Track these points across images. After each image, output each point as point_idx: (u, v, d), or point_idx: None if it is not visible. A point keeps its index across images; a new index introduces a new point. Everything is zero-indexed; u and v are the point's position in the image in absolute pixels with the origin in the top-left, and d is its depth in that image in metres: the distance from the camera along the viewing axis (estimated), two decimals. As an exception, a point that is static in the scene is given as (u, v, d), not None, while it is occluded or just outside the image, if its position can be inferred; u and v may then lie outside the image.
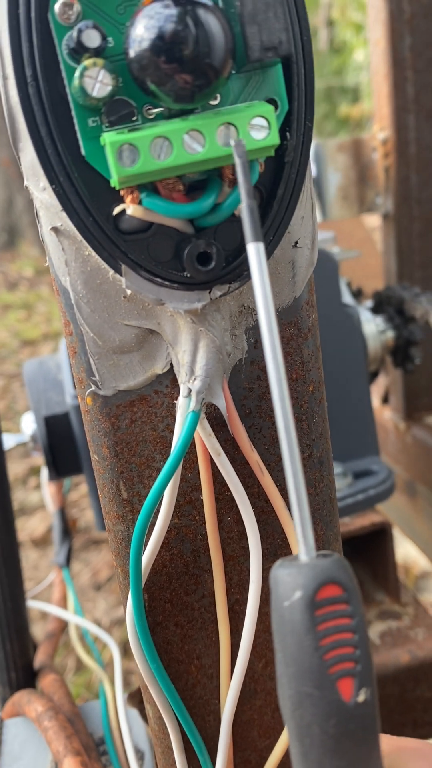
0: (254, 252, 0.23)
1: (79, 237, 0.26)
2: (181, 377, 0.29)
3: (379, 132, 0.90)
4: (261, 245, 0.23)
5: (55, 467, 0.69)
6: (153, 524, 0.31)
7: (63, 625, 0.70)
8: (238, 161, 0.24)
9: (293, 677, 0.21)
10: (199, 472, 0.31)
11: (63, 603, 0.73)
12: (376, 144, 0.90)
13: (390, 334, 0.76)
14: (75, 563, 1.55)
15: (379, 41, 0.87)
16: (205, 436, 0.30)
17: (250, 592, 0.31)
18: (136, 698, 0.56)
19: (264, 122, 0.25)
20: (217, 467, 0.30)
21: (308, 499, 0.33)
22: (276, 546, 0.33)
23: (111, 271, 0.27)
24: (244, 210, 0.23)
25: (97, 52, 0.24)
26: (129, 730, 0.48)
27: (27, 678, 0.58)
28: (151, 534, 0.31)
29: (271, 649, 0.35)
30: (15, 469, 1.94)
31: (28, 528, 1.70)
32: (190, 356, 0.29)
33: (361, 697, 0.21)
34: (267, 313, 0.23)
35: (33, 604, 0.70)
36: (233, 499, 0.31)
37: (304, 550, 0.22)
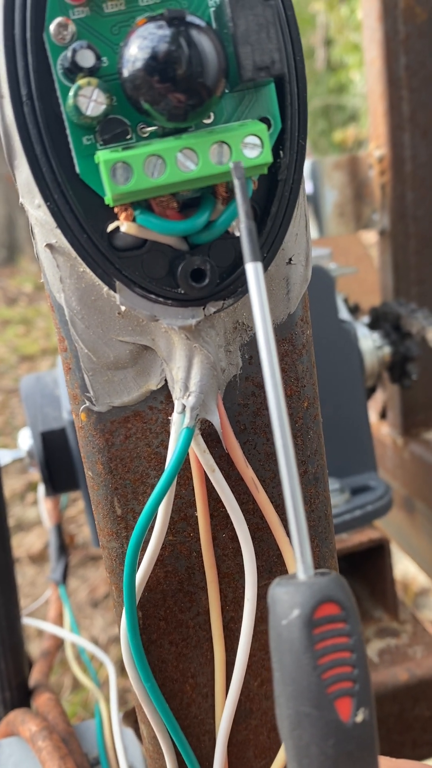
0: (253, 272, 0.23)
1: (74, 254, 0.27)
2: (176, 393, 0.29)
3: (375, 150, 0.90)
4: (259, 265, 0.23)
5: (52, 483, 0.69)
6: (147, 541, 0.31)
7: (59, 643, 0.69)
8: (236, 182, 0.24)
9: (291, 696, 0.21)
10: (193, 489, 0.31)
11: (59, 620, 0.73)
12: (372, 161, 0.91)
13: (387, 350, 0.77)
14: (72, 579, 1.54)
15: (375, 61, 0.88)
16: (199, 453, 0.30)
17: (245, 610, 0.31)
18: (132, 717, 0.55)
19: (257, 141, 0.25)
20: (211, 484, 0.30)
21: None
22: (271, 563, 0.33)
23: (105, 288, 0.27)
24: (243, 231, 0.23)
25: (92, 72, 0.24)
26: (124, 750, 0.48)
27: (22, 697, 0.57)
28: (145, 551, 0.31)
29: (267, 668, 0.34)
30: (13, 484, 1.93)
31: (25, 544, 1.69)
32: (185, 372, 0.29)
33: (359, 717, 0.21)
34: (265, 332, 0.23)
35: (29, 622, 0.69)
36: (228, 516, 0.31)
37: (302, 569, 0.22)
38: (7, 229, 4.64)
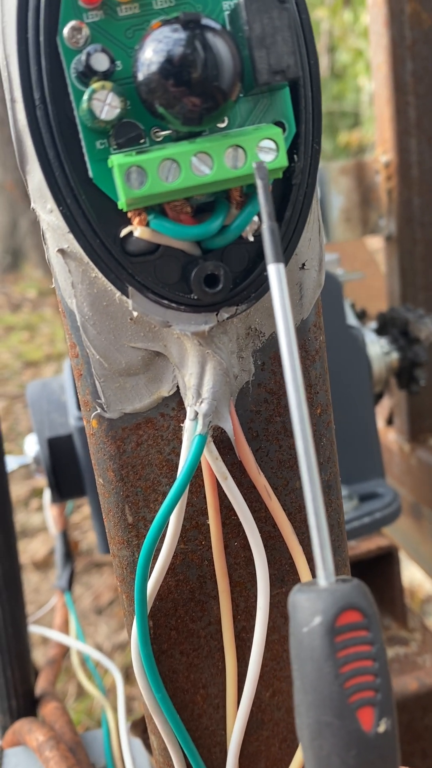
0: (275, 273, 0.23)
1: (86, 259, 0.26)
2: (188, 400, 0.29)
3: (382, 155, 0.90)
4: (281, 266, 0.23)
5: (58, 489, 0.68)
6: (158, 549, 0.30)
7: (64, 651, 0.69)
8: (259, 183, 0.23)
9: (312, 705, 0.20)
10: (205, 497, 0.31)
11: (65, 628, 0.72)
12: (379, 167, 0.91)
13: (394, 356, 0.76)
14: (76, 586, 1.54)
15: (381, 66, 0.88)
16: (211, 460, 0.29)
17: (257, 620, 0.31)
18: (140, 727, 0.54)
19: (272, 144, 0.25)
20: (223, 491, 0.30)
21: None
22: (284, 572, 0.33)
23: (118, 293, 0.27)
24: (266, 231, 0.23)
25: (106, 76, 0.24)
26: (132, 761, 0.47)
27: (28, 706, 0.57)
28: (156, 559, 0.30)
29: (279, 679, 0.34)
30: (17, 491, 1.92)
31: (29, 551, 1.69)
32: (197, 379, 0.29)
33: (381, 728, 0.20)
34: (287, 332, 0.22)
35: (34, 629, 0.69)
36: (240, 524, 0.31)
37: (323, 575, 0.22)
38: (11, 236, 4.65)
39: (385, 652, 0.21)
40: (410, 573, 1.37)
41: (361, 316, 0.83)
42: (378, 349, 0.75)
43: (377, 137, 0.92)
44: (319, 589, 0.21)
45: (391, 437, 1.02)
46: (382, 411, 1.05)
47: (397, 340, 0.76)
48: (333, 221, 0.95)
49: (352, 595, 0.21)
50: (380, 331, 0.79)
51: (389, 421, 1.05)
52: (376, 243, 1.38)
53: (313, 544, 0.22)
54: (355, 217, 0.95)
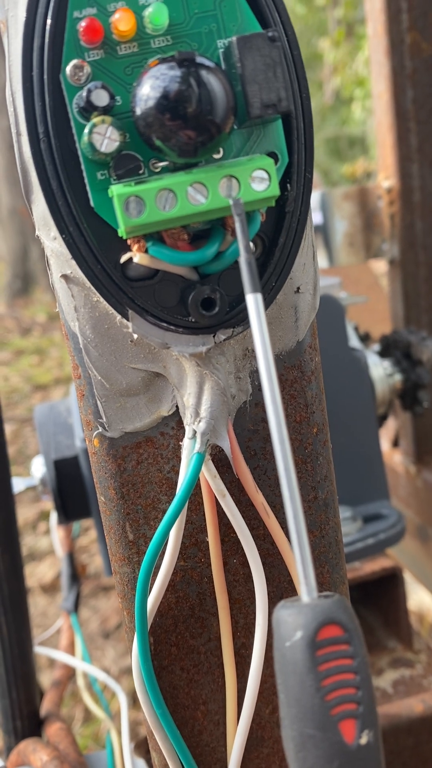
0: (253, 302, 0.24)
1: (88, 284, 0.27)
2: (187, 419, 0.30)
3: (384, 180, 0.92)
4: (259, 296, 0.24)
5: (64, 511, 0.69)
6: (159, 566, 0.31)
7: (70, 673, 0.69)
8: (237, 218, 0.25)
9: (295, 718, 0.21)
10: (204, 514, 0.31)
11: (71, 649, 0.72)
12: (381, 192, 0.92)
13: (398, 378, 0.77)
14: (83, 610, 1.53)
15: (382, 94, 0.90)
16: (210, 478, 0.30)
17: (256, 636, 0.31)
18: (143, 747, 0.54)
19: (264, 175, 0.26)
20: (222, 509, 0.31)
21: (314, 542, 0.33)
22: (282, 589, 0.33)
23: (118, 317, 0.28)
24: (243, 263, 0.24)
25: (106, 110, 0.25)
26: (135, 781, 0.47)
27: (33, 726, 0.57)
28: (156, 576, 0.31)
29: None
30: (25, 513, 1.93)
31: (37, 574, 1.68)
32: (195, 398, 0.29)
33: (363, 739, 0.21)
34: (266, 359, 0.23)
35: (40, 651, 0.69)
36: (239, 541, 0.31)
37: (305, 591, 0.22)
38: (22, 261, 4.71)
39: (367, 666, 0.22)
40: (419, 597, 1.36)
41: (365, 338, 0.84)
42: (381, 371, 0.76)
43: (379, 163, 0.94)
44: (301, 605, 0.22)
45: (396, 459, 1.03)
46: (387, 433, 1.06)
47: (400, 362, 0.77)
48: (337, 246, 0.97)
49: (332, 609, 0.22)
50: (383, 354, 0.80)
51: (395, 443, 1.05)
52: (379, 267, 1.39)
53: (296, 560, 0.23)
54: (359, 242, 0.97)
